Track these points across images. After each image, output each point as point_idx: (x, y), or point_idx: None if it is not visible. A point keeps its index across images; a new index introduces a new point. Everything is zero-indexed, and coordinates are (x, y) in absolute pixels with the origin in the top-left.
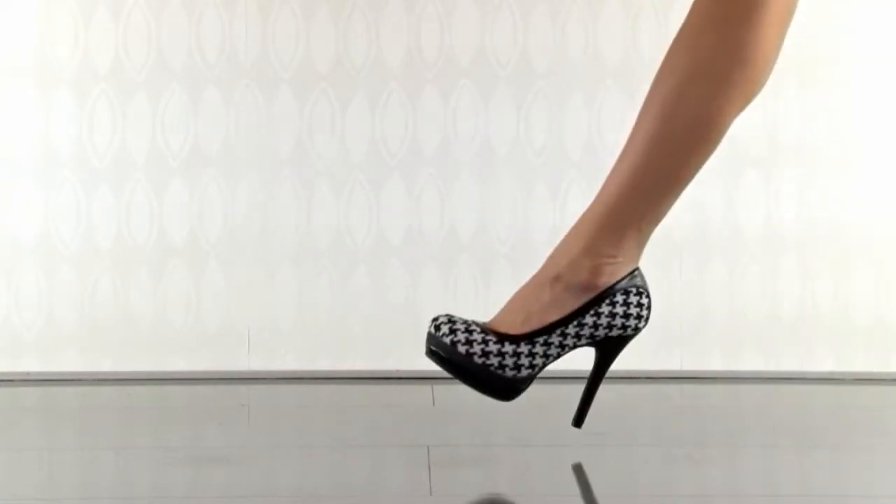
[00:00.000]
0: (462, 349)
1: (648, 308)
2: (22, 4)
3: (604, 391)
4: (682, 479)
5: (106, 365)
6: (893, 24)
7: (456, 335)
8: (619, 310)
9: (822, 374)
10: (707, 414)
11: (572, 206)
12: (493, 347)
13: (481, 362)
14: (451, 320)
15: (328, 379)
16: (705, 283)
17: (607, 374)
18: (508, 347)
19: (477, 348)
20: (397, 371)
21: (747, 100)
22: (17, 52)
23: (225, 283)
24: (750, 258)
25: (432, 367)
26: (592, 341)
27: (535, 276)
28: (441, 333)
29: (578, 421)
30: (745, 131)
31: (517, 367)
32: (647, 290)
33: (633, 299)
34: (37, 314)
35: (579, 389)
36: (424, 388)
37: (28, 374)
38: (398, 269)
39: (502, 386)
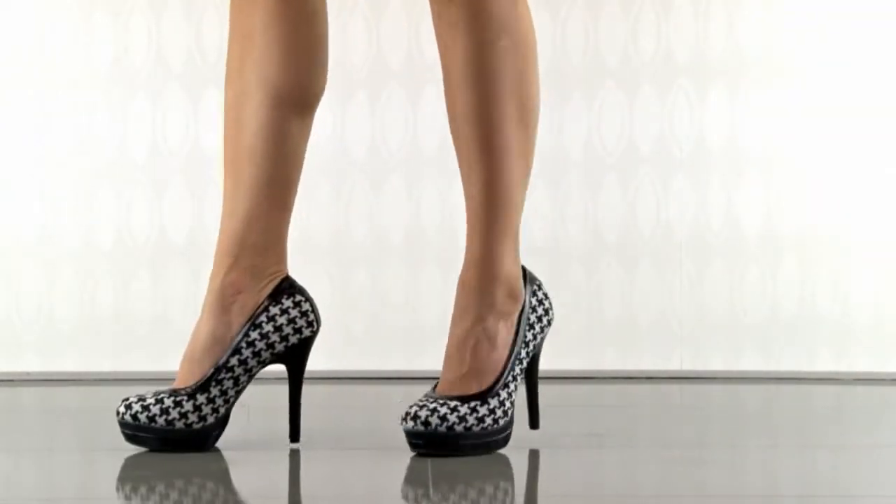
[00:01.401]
0: (443, 429)
1: (547, 298)
2: (22, 4)
3: (604, 391)
4: (682, 479)
5: (106, 365)
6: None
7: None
8: (535, 303)
9: (822, 374)
10: (707, 414)
11: (572, 205)
12: (464, 410)
13: (461, 429)
14: (421, 406)
15: (328, 379)
16: (705, 283)
17: (608, 374)
18: (493, 401)
19: (453, 418)
20: (397, 371)
21: (535, 50)
22: (17, 52)
23: None
24: (750, 258)
25: (432, 366)
26: (536, 343)
27: (459, 337)
28: (416, 426)
29: (534, 422)
30: (745, 132)
31: (506, 413)
32: (536, 281)
33: (540, 294)
34: (37, 314)
35: (578, 389)
36: (425, 388)
37: (28, 374)
38: (398, 269)
39: (502, 438)
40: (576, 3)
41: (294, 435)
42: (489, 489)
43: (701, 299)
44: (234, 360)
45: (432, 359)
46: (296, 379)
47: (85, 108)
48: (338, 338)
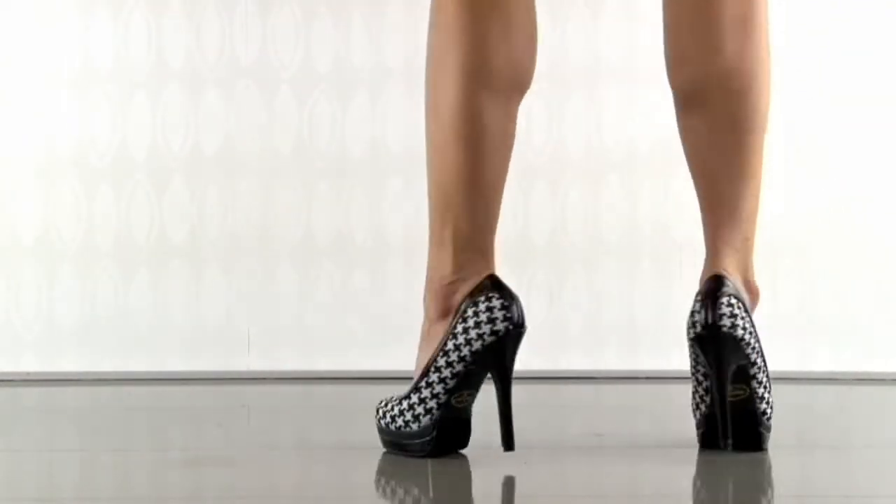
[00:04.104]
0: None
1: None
2: (22, 4)
3: (604, 391)
4: (682, 479)
5: (106, 365)
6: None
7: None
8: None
9: (822, 374)
10: None
11: (572, 205)
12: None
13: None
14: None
15: (328, 379)
16: None
17: (608, 374)
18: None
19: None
20: (397, 371)
21: None
22: (18, 52)
23: (225, 283)
24: None
25: None
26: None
27: None
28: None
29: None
30: None
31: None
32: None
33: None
34: (37, 314)
35: (578, 389)
36: None
37: (28, 374)
38: (398, 269)
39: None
40: (576, 3)
41: (507, 441)
42: (488, 489)
43: None
44: (441, 361)
45: None
46: (501, 382)
47: (85, 108)
48: (338, 338)
